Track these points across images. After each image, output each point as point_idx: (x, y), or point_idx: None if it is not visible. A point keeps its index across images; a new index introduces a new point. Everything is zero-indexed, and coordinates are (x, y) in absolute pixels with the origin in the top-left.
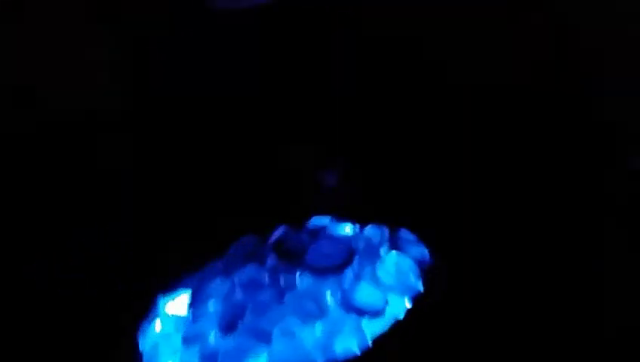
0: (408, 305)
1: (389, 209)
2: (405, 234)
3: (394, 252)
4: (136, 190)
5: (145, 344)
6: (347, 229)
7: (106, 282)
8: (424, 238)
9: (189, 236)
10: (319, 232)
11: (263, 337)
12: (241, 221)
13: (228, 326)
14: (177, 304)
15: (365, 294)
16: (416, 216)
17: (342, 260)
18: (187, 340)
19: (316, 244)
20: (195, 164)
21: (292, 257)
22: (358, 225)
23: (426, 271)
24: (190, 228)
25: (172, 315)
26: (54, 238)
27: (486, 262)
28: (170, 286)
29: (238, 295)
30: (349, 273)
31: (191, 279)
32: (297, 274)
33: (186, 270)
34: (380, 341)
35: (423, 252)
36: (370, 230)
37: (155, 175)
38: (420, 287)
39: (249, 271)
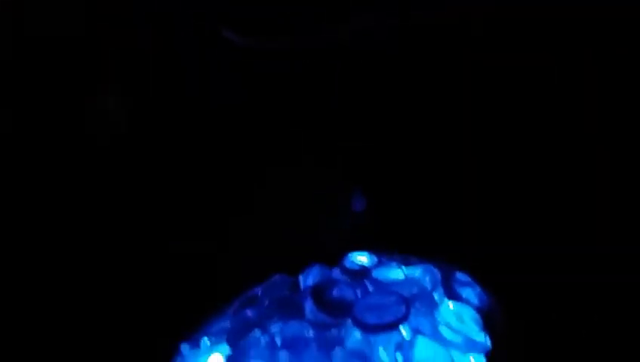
0: None
1: (425, 240)
2: (459, 275)
3: (452, 301)
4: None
5: None
6: (397, 274)
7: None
8: (480, 279)
9: (206, 273)
10: (361, 275)
11: None
12: (262, 253)
13: None
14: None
15: (426, 354)
16: (461, 249)
17: (397, 315)
18: None
19: (363, 297)
20: (209, 187)
21: (336, 310)
22: (404, 266)
23: (491, 321)
24: (207, 264)
25: None
26: None
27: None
28: (194, 335)
29: (283, 356)
30: (405, 329)
31: (219, 327)
32: (345, 330)
33: (207, 313)
34: None
35: (482, 297)
36: (418, 270)
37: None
38: (488, 342)
39: (292, 328)
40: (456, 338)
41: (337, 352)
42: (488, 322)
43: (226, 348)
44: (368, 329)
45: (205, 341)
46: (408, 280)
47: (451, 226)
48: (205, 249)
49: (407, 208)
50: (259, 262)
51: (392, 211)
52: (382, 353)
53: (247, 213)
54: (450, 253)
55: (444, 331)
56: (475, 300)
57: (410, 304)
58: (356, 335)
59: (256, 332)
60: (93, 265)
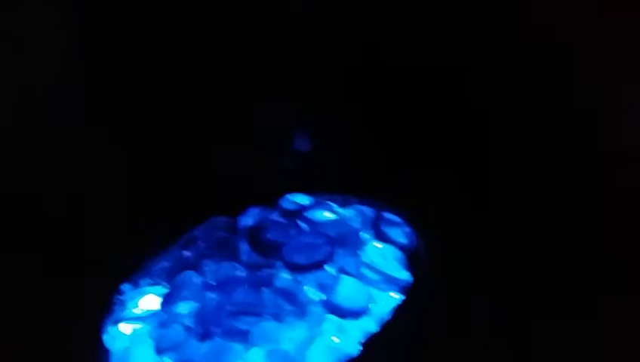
0: (396, 298)
1: (366, 181)
2: (389, 215)
3: (378, 242)
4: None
5: (115, 345)
6: (326, 214)
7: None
8: (409, 219)
9: (152, 215)
10: (295, 216)
11: (241, 338)
12: (204, 196)
13: (204, 333)
14: (147, 300)
15: (348, 292)
16: (397, 193)
17: (322, 256)
18: (161, 350)
19: (294, 238)
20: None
21: (268, 251)
22: (335, 205)
23: (414, 259)
24: (153, 207)
25: (142, 312)
26: None
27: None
28: (134, 275)
29: (213, 295)
30: (330, 269)
31: (157, 267)
32: (275, 271)
33: (149, 253)
34: (365, 344)
35: (409, 236)
36: (350, 212)
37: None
38: (409, 278)
39: (224, 269)
40: (378, 277)
41: (265, 292)
42: (412, 260)
43: (163, 288)
44: (296, 269)
45: (145, 281)
46: (339, 221)
47: (391, 168)
48: (147, 191)
49: (350, 150)
50: (202, 203)
51: (336, 152)
52: (307, 291)
53: (188, 155)
54: (386, 193)
55: (366, 270)
56: (401, 239)
57: (337, 244)
58: (285, 275)
59: (191, 273)
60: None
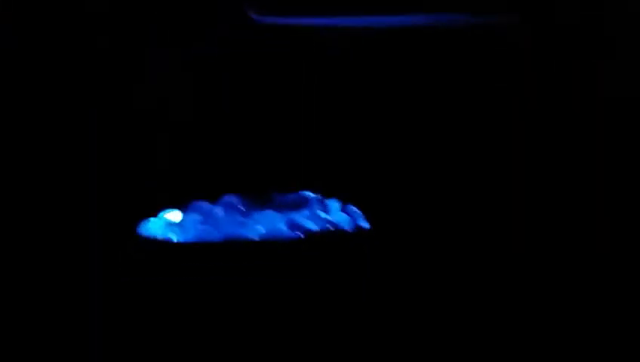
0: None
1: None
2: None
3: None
4: None
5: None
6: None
7: None
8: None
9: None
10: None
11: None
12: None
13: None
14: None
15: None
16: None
17: (297, 202)
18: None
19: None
20: None
21: (262, 202)
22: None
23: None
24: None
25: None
26: None
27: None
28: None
29: (219, 211)
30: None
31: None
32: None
33: None
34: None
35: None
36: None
37: None
38: (366, 224)
39: (227, 199)
40: (340, 218)
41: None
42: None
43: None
44: (279, 206)
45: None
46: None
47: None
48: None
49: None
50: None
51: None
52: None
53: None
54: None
55: (331, 214)
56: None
57: (310, 201)
58: (268, 212)
59: (204, 203)
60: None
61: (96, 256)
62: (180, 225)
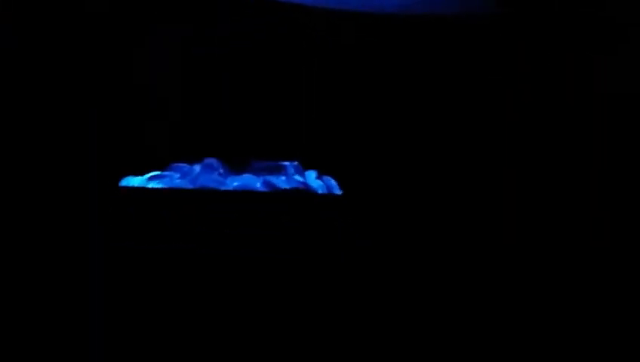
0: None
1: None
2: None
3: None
4: None
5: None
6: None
7: None
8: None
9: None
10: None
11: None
12: None
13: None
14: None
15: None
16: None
17: (275, 168)
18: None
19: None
20: None
21: (241, 166)
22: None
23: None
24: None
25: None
26: None
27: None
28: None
29: (198, 170)
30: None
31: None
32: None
33: None
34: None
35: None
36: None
37: None
38: (338, 191)
39: (207, 162)
40: (317, 183)
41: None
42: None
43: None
44: (257, 170)
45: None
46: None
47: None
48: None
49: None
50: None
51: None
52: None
53: None
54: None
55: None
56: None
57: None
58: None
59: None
60: None
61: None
62: (159, 179)
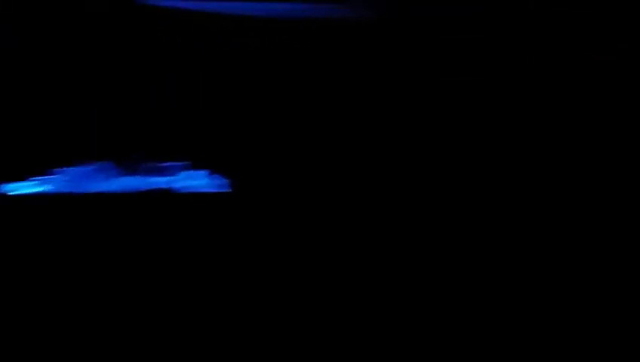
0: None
1: None
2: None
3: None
4: None
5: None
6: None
7: None
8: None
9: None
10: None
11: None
12: None
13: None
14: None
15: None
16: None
17: (163, 169)
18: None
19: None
20: None
21: (131, 168)
22: None
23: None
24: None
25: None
26: None
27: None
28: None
29: (87, 173)
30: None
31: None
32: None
33: None
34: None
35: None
36: None
37: None
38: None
39: (98, 165)
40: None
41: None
42: None
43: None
44: (145, 171)
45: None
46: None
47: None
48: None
49: None
50: None
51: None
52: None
53: None
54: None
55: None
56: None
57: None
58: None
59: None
60: None
61: None
62: (45, 182)
